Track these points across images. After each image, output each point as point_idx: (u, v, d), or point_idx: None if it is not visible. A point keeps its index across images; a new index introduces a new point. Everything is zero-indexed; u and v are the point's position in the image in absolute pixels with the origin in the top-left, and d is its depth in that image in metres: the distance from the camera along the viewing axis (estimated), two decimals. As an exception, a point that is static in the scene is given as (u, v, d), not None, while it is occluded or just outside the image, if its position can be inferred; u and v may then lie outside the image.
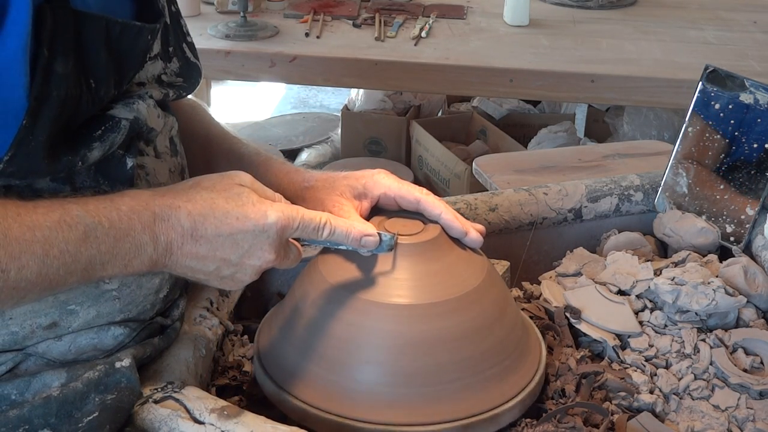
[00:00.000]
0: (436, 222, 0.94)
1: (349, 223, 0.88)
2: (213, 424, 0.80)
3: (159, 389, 0.85)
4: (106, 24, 0.81)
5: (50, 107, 0.76)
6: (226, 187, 0.82)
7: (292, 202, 0.87)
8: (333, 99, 4.27)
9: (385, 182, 0.96)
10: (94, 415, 0.80)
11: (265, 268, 0.84)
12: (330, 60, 2.19)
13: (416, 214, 0.96)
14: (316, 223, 0.84)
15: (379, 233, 0.88)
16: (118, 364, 0.83)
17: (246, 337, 1.03)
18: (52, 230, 0.73)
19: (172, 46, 0.98)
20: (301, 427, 0.81)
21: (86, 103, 0.81)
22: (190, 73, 1.00)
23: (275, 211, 0.81)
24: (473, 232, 0.95)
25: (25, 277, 0.72)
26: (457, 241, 0.95)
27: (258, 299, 1.13)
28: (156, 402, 0.83)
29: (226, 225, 0.80)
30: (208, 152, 1.07)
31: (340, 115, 3.05)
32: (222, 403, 0.82)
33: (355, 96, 3.04)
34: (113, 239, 0.76)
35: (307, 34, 2.32)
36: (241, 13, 2.30)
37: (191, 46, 1.02)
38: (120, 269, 0.79)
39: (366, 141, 2.96)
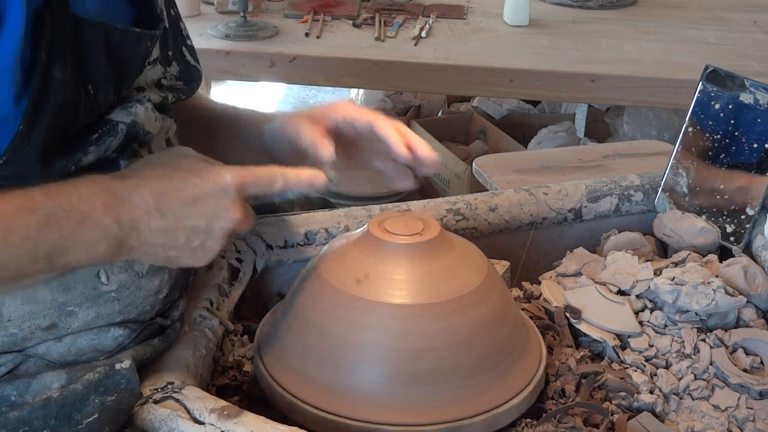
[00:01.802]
0: (435, 221, 0.94)
1: (296, 170, 0.88)
2: (213, 424, 0.80)
3: (159, 389, 0.85)
4: (105, 30, 0.81)
5: (47, 113, 0.76)
6: (175, 161, 0.84)
7: None
8: (333, 99, 4.27)
9: (345, 108, 0.99)
10: (94, 416, 0.80)
11: (233, 229, 0.84)
12: (330, 60, 2.19)
13: (416, 215, 0.96)
14: (268, 174, 0.86)
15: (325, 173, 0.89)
16: (118, 366, 0.83)
17: (246, 337, 1.03)
18: (13, 216, 0.73)
19: (171, 50, 0.98)
20: (301, 427, 0.81)
21: (84, 109, 0.81)
22: (190, 76, 1.01)
23: (229, 171, 0.83)
24: (422, 151, 0.95)
25: None
26: (457, 242, 0.95)
27: (258, 299, 1.13)
28: (156, 402, 0.83)
29: (187, 192, 0.80)
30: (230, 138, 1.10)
31: (340, 115, 3.04)
32: (222, 403, 0.82)
33: (355, 96, 3.04)
34: (75, 222, 0.76)
35: (307, 34, 2.32)
36: (241, 13, 2.30)
37: (191, 49, 1.02)
38: (85, 254, 0.77)
39: (366, 141, 2.95)
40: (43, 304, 0.84)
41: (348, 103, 1.01)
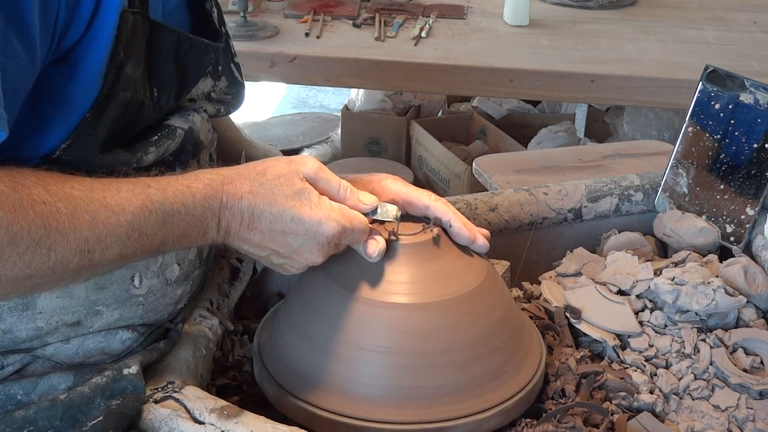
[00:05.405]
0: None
1: (373, 236, 0.89)
2: (213, 424, 0.80)
3: (159, 389, 0.85)
4: (177, 38, 0.87)
5: (115, 106, 0.81)
6: (290, 181, 0.83)
7: None
8: (333, 99, 4.27)
9: (393, 188, 0.94)
10: (99, 419, 0.80)
11: (315, 264, 0.87)
12: (330, 60, 2.19)
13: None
14: (361, 235, 0.87)
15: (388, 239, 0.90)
16: (126, 371, 0.84)
17: (246, 337, 1.03)
18: (135, 216, 0.77)
19: (221, 65, 1.03)
20: (301, 426, 0.81)
21: (147, 109, 0.85)
22: (237, 91, 1.06)
23: (329, 221, 0.83)
24: (480, 238, 0.95)
25: (106, 257, 0.76)
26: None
27: (258, 299, 1.13)
28: (156, 402, 0.83)
29: (279, 223, 0.83)
30: (219, 154, 1.09)
31: (340, 115, 3.05)
32: (222, 403, 0.83)
33: (355, 96, 3.04)
34: (187, 224, 0.81)
35: (307, 34, 2.32)
36: (241, 13, 2.30)
37: (238, 66, 1.07)
38: (185, 245, 0.84)
39: (366, 141, 2.95)
40: (77, 300, 0.85)
41: (393, 179, 0.95)
